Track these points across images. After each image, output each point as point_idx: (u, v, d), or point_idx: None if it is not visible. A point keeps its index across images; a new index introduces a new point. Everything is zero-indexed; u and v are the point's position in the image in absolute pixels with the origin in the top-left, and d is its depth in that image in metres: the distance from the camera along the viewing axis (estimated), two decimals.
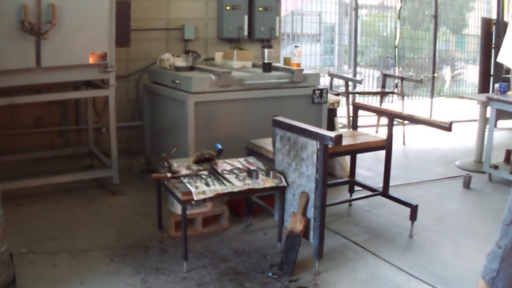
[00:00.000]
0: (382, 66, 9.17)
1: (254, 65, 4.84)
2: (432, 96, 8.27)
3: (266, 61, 4.43)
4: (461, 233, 3.78)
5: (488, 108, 5.21)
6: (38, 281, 2.93)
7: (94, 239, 3.50)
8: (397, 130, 5.29)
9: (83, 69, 4.05)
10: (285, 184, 3.25)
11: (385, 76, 6.80)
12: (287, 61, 5.04)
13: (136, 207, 4.11)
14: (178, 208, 3.41)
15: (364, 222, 3.93)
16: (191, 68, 4.53)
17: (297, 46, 5.13)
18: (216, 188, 3.06)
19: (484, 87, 7.74)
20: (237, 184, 3.13)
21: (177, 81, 4.20)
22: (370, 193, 4.08)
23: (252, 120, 4.18)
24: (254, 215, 3.79)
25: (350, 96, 6.10)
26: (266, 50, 4.42)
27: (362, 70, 9.02)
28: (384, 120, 4.45)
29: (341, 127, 5.37)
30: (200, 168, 3.35)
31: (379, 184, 4.15)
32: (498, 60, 2.12)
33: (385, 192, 3.98)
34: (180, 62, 4.53)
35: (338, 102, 5.00)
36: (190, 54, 4.75)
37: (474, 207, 4.41)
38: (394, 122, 3.95)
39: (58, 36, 3.77)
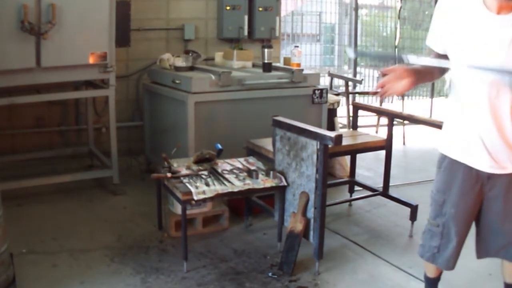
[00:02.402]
0: (382, 66, 9.16)
1: (254, 65, 4.84)
2: (432, 96, 8.27)
3: (266, 61, 4.43)
4: None
5: None
6: (38, 281, 2.93)
7: (94, 239, 3.50)
8: (397, 130, 5.29)
9: (83, 69, 4.05)
10: (285, 184, 3.25)
11: (385, 76, 6.78)
12: (287, 61, 5.04)
13: (136, 207, 4.11)
14: (178, 208, 3.41)
15: (364, 222, 3.93)
16: (191, 68, 4.53)
17: (297, 46, 5.13)
18: (216, 188, 3.06)
19: None
20: (237, 184, 3.13)
21: (177, 81, 4.20)
22: (370, 193, 4.08)
23: (252, 120, 4.18)
24: (254, 215, 3.79)
25: (350, 96, 6.10)
26: (266, 50, 4.42)
27: (362, 70, 9.02)
28: (384, 120, 4.45)
29: (341, 127, 5.37)
30: (200, 168, 3.35)
31: (379, 184, 4.15)
32: (426, 43, 2.29)
33: (385, 192, 3.98)
34: (180, 62, 4.52)
35: (338, 102, 5.00)
36: (190, 54, 4.75)
37: None
38: (394, 122, 3.96)
39: (58, 36, 3.77)
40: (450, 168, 2.30)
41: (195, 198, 2.98)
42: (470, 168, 2.24)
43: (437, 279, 2.62)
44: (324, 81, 6.78)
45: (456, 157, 2.27)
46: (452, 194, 2.30)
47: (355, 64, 7.72)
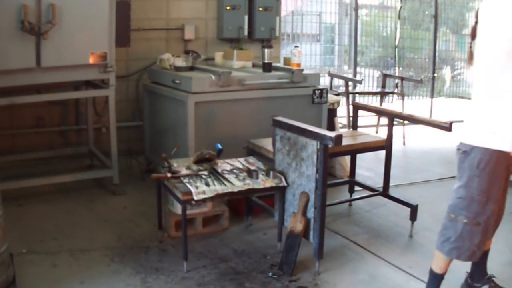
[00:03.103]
0: (382, 66, 9.17)
1: (254, 65, 4.84)
2: (432, 96, 8.27)
3: (266, 61, 4.43)
4: None
5: None
6: (38, 281, 2.93)
7: (94, 239, 3.50)
8: (397, 130, 5.29)
9: (83, 69, 4.05)
10: (285, 184, 3.25)
11: (385, 76, 6.79)
12: (287, 61, 5.04)
13: (136, 207, 4.11)
14: (178, 208, 3.41)
15: (364, 222, 3.93)
16: (191, 68, 4.53)
17: (297, 46, 5.13)
18: (216, 188, 3.06)
19: None
20: (237, 184, 3.13)
21: (177, 81, 4.21)
22: (370, 193, 4.08)
23: (252, 120, 4.18)
24: (254, 215, 3.79)
25: (350, 96, 6.10)
26: (266, 50, 4.42)
27: (362, 70, 9.02)
28: (384, 120, 4.45)
29: (341, 127, 5.37)
30: (200, 168, 3.35)
31: (379, 184, 4.15)
32: None
33: (385, 192, 3.98)
34: (180, 62, 4.52)
35: (338, 102, 4.99)
36: (190, 54, 4.75)
37: None
38: (394, 122, 3.95)
39: (58, 36, 3.77)
40: (496, 163, 2.34)
41: (195, 198, 2.98)
42: (506, 154, 2.32)
43: (445, 274, 2.66)
44: (324, 81, 6.77)
45: (503, 148, 2.32)
46: (495, 191, 2.38)
47: (355, 64, 7.72)
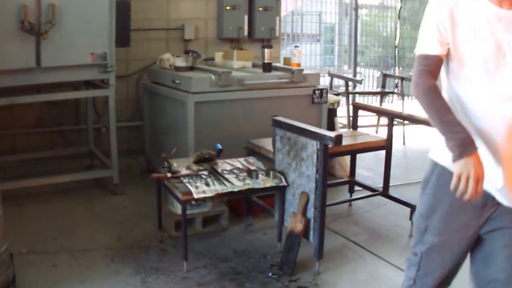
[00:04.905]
0: (382, 66, 9.17)
1: (254, 65, 4.84)
2: None
3: (266, 61, 4.43)
4: None
5: None
6: (38, 281, 2.93)
7: (94, 239, 3.50)
8: (397, 130, 5.29)
9: (83, 69, 4.05)
10: (285, 184, 3.25)
11: (385, 76, 6.80)
12: (287, 61, 5.04)
13: (136, 207, 4.11)
14: (178, 208, 3.41)
15: (364, 222, 3.93)
16: (191, 68, 4.53)
17: (297, 46, 5.13)
18: (216, 188, 3.06)
19: None
20: (237, 184, 3.13)
21: (177, 81, 4.20)
22: (370, 193, 4.08)
23: (252, 120, 4.18)
24: (254, 215, 3.79)
25: (350, 96, 6.10)
26: (266, 50, 4.42)
27: (362, 70, 9.03)
28: (384, 120, 4.45)
29: (341, 127, 5.37)
30: (200, 168, 3.35)
31: (379, 184, 4.15)
32: (423, 51, 1.89)
33: (385, 192, 3.98)
34: (180, 62, 4.52)
35: (338, 102, 4.99)
36: (190, 54, 4.75)
37: None
38: (394, 122, 3.96)
39: (58, 36, 3.77)
40: (439, 184, 2.00)
41: (195, 197, 2.99)
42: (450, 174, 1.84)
43: None
44: (324, 81, 6.78)
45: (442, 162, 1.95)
46: (436, 221, 1.99)
47: (355, 64, 7.72)
